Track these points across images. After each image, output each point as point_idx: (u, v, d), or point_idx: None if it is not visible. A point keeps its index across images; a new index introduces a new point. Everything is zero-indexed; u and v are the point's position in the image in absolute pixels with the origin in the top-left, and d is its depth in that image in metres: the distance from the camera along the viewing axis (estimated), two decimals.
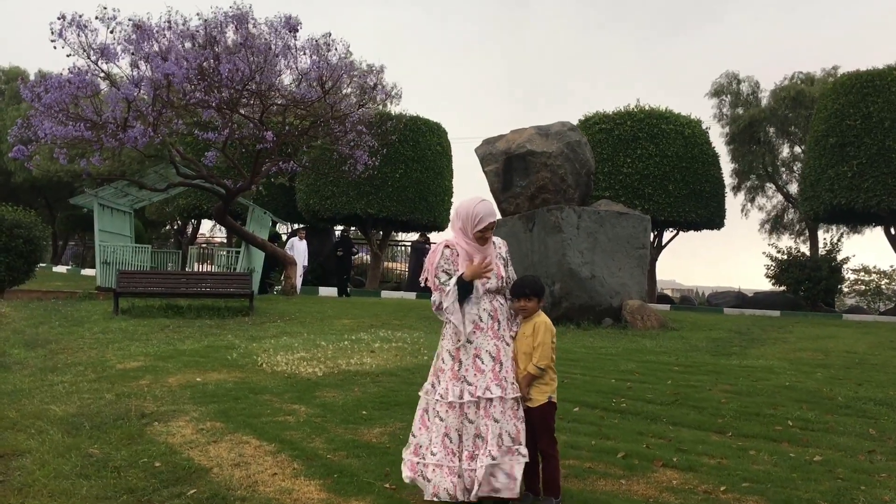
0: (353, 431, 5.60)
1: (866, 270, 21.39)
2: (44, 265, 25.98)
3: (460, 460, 3.98)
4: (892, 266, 21.17)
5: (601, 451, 5.13)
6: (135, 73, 13.51)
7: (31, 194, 34.47)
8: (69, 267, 32.17)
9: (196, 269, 22.74)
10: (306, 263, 20.30)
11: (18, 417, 5.92)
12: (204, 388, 7.05)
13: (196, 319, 12.55)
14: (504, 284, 4.22)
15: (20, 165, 17.88)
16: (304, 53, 14.30)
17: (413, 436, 4.20)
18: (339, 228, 26.54)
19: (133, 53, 13.33)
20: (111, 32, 13.20)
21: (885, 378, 7.81)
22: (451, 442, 4.01)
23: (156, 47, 13.65)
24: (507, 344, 4.13)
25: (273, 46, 13.82)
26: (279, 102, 15.06)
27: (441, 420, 4.06)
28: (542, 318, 4.19)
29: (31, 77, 30.50)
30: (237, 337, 10.54)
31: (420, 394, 4.26)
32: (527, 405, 4.09)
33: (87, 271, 27.61)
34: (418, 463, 4.08)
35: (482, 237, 4.14)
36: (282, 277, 18.86)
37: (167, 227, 34.67)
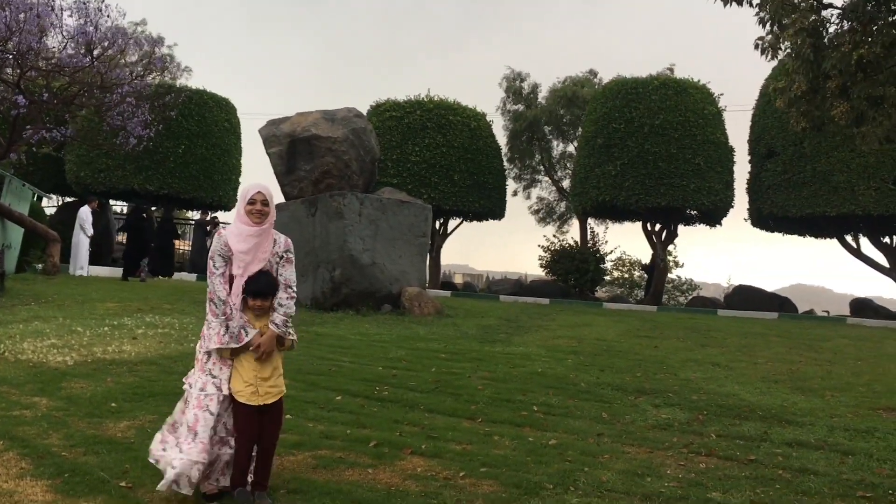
0: (96, 426, 5.29)
1: (622, 262, 23.40)
2: None
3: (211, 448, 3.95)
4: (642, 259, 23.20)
5: (355, 441, 5.21)
6: None
7: None
8: None
9: None
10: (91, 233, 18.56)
11: None
12: None
13: None
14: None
15: None
16: (71, 15, 13.20)
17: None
18: (116, 203, 24.88)
19: None
20: None
21: (624, 364, 8.59)
22: (196, 434, 3.96)
23: None
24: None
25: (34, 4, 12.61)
26: (41, 66, 13.78)
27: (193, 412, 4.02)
28: None
29: None
30: None
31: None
32: (267, 402, 4.01)
33: None
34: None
35: (255, 213, 4.05)
36: (44, 255, 17.32)
37: None
